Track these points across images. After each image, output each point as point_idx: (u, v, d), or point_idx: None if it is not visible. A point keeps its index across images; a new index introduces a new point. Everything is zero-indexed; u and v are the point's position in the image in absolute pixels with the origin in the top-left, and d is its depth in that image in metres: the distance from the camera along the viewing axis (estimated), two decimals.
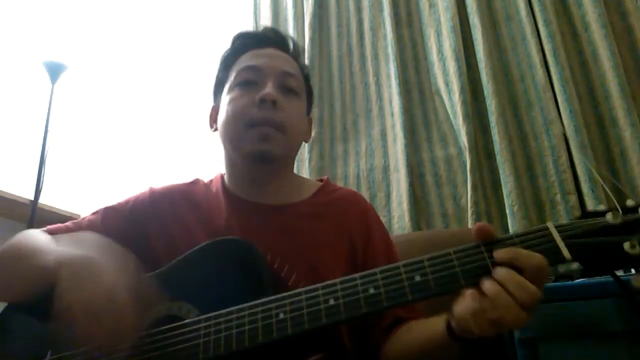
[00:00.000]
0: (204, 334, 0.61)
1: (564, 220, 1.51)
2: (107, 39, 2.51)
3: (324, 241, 0.85)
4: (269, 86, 0.85)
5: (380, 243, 0.89)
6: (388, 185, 1.82)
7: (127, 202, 0.90)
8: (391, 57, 1.93)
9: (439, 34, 1.87)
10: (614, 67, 1.55)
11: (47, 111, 1.97)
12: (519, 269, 0.53)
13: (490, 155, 1.70)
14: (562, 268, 1.28)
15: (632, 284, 0.52)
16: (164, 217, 0.88)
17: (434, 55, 1.87)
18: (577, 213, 1.49)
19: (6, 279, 0.77)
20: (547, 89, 1.63)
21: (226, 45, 0.97)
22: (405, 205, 1.71)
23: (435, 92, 1.87)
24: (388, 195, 1.81)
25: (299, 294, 0.60)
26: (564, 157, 1.56)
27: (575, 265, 1.23)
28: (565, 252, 0.53)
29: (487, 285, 0.53)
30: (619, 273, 0.86)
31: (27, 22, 2.19)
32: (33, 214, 1.79)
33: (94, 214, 0.90)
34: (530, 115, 1.67)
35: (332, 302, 0.58)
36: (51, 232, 0.85)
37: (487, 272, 0.54)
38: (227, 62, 0.94)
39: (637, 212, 0.54)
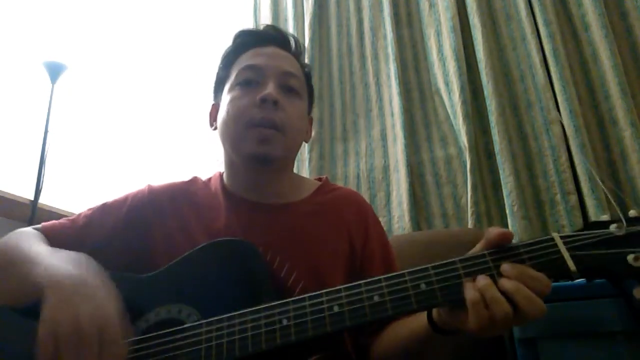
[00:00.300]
0: (205, 339, 0.61)
1: (564, 220, 1.51)
2: (107, 39, 2.51)
3: (324, 240, 0.85)
4: (270, 86, 0.84)
5: (378, 243, 0.89)
6: (388, 185, 1.82)
7: (125, 200, 0.90)
8: (391, 57, 1.93)
9: (439, 34, 1.87)
10: (614, 67, 1.55)
11: (47, 111, 1.97)
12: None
13: (490, 155, 1.70)
14: None
15: (634, 295, 0.52)
16: (163, 215, 0.87)
17: (434, 55, 1.87)
18: (577, 213, 1.49)
19: None
20: (547, 89, 1.63)
21: (226, 44, 0.97)
22: (405, 205, 1.71)
23: (435, 92, 1.87)
24: (388, 195, 1.81)
25: (303, 299, 0.59)
26: (564, 157, 1.56)
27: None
28: (571, 265, 0.53)
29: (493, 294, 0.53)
30: None
31: (27, 22, 2.19)
32: (33, 214, 1.79)
33: (90, 210, 0.89)
34: (530, 115, 1.67)
35: (336, 309, 0.57)
36: (46, 230, 0.84)
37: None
38: (228, 61, 0.93)
39: None
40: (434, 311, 0.63)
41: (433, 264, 0.58)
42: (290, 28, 2.18)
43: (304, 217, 0.87)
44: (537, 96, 1.66)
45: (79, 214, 0.89)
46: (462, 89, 1.71)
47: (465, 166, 1.65)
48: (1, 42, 2.08)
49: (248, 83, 0.87)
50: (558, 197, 1.54)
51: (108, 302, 0.59)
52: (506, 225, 1.55)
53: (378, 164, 1.86)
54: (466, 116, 1.68)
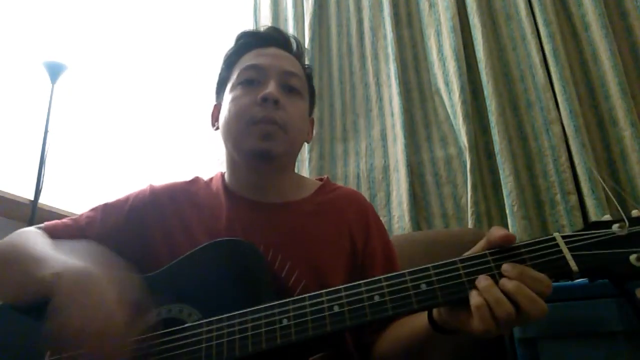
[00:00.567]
0: (206, 339, 0.61)
1: (564, 220, 1.51)
2: (107, 39, 2.51)
3: (325, 240, 0.85)
4: (271, 85, 0.85)
5: (379, 242, 0.89)
6: (388, 185, 1.82)
7: (126, 199, 0.90)
8: (391, 57, 1.93)
9: (439, 34, 1.87)
10: (614, 67, 1.55)
11: (47, 111, 1.97)
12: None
13: (490, 155, 1.70)
14: None
15: (637, 295, 0.51)
16: (164, 215, 0.87)
17: (434, 55, 1.87)
18: (577, 213, 1.49)
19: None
20: (547, 89, 1.63)
21: (226, 45, 0.97)
22: (405, 205, 1.71)
23: (435, 92, 1.87)
24: (388, 195, 1.81)
25: (303, 299, 0.59)
26: (564, 157, 1.56)
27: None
28: (573, 265, 0.53)
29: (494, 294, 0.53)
30: None
31: (27, 22, 2.19)
32: (33, 214, 1.79)
33: (92, 210, 0.89)
34: (530, 115, 1.67)
35: (336, 309, 0.57)
36: (49, 229, 0.84)
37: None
38: (230, 61, 0.94)
39: None
40: (435, 311, 0.63)
41: (434, 264, 0.57)
42: (290, 28, 2.18)
43: (305, 217, 0.87)
44: (537, 96, 1.66)
45: (81, 214, 0.89)
46: (462, 89, 1.71)
47: (465, 166, 1.65)
48: (1, 42, 2.09)
49: (250, 82, 0.87)
50: (558, 197, 1.54)
51: (116, 301, 0.60)
52: (506, 225, 1.55)
53: (378, 164, 1.86)
54: (466, 116, 1.68)
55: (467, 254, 0.58)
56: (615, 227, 0.54)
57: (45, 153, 1.92)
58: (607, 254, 0.53)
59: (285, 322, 0.58)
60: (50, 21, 2.18)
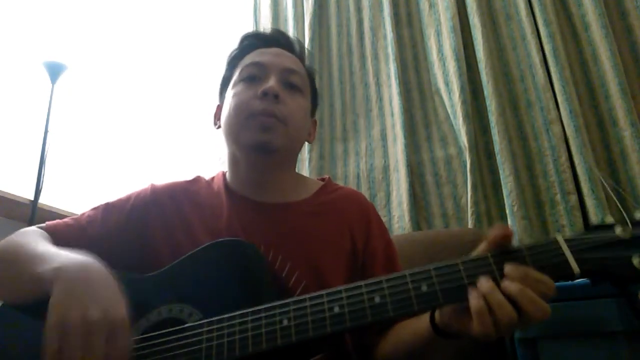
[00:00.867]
0: (206, 339, 0.61)
1: (564, 220, 1.51)
2: (107, 39, 2.51)
3: (326, 240, 0.85)
4: (272, 80, 0.86)
5: (380, 241, 0.89)
6: (388, 185, 1.82)
7: (128, 199, 0.90)
8: (391, 57, 1.93)
9: (439, 34, 1.87)
10: (614, 67, 1.55)
11: (47, 111, 1.97)
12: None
13: (490, 155, 1.70)
14: None
15: (639, 298, 0.51)
16: (166, 214, 0.87)
17: (434, 55, 1.87)
18: (577, 213, 1.49)
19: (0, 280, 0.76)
20: (547, 89, 1.63)
21: (226, 45, 0.98)
22: (405, 205, 1.71)
23: (435, 92, 1.87)
24: (388, 195, 1.81)
25: (303, 300, 0.59)
26: (564, 157, 1.56)
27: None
28: (575, 267, 0.53)
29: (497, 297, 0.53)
30: None
31: (27, 22, 2.19)
32: (33, 214, 1.79)
33: (94, 210, 0.89)
34: (530, 115, 1.67)
35: (337, 310, 0.57)
36: (50, 229, 0.84)
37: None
38: (234, 61, 0.95)
39: None
40: (437, 314, 0.63)
41: (435, 265, 0.57)
42: (290, 28, 2.18)
43: (306, 217, 0.87)
44: (537, 96, 1.66)
45: (82, 214, 0.89)
46: (462, 89, 1.71)
47: (465, 166, 1.65)
48: (1, 42, 2.08)
49: (251, 79, 0.88)
50: (558, 197, 1.54)
51: (116, 295, 0.60)
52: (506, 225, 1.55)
53: (378, 164, 1.86)
54: (466, 116, 1.68)
55: (468, 256, 0.58)
56: (618, 230, 0.54)
57: (45, 153, 1.92)
58: (609, 256, 0.53)
59: (285, 322, 0.58)
60: (50, 21, 2.18)
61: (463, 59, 1.77)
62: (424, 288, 0.56)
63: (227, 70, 0.96)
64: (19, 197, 1.80)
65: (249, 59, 0.91)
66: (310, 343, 0.58)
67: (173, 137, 2.43)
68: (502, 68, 1.75)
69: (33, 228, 0.84)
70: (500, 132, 1.62)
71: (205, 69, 2.30)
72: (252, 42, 0.95)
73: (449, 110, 1.78)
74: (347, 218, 0.89)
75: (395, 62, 1.90)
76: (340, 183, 1.86)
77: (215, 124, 0.97)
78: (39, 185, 1.85)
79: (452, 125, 1.77)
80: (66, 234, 0.84)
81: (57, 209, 1.96)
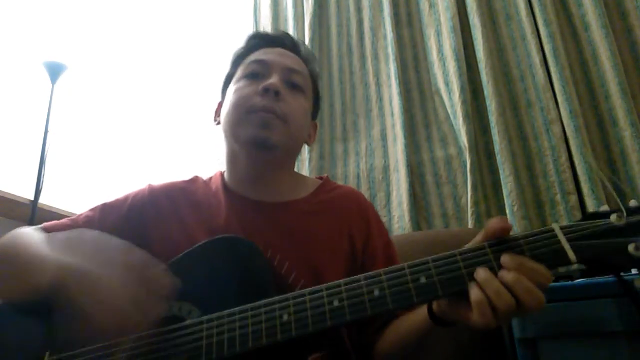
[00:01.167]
0: (206, 335, 0.61)
1: (564, 220, 1.51)
2: (107, 39, 2.51)
3: (324, 239, 0.85)
4: (274, 77, 0.86)
5: (380, 241, 0.89)
6: (388, 185, 1.82)
7: (125, 199, 0.90)
8: (391, 57, 1.93)
9: (439, 34, 1.87)
10: (614, 67, 1.55)
11: (47, 111, 1.97)
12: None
13: (490, 155, 1.70)
14: (562, 269, 1.28)
15: (635, 285, 0.52)
16: (163, 214, 0.87)
17: (434, 55, 1.87)
18: (577, 213, 1.49)
19: None
20: (547, 89, 1.63)
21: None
22: (405, 205, 1.71)
23: (435, 92, 1.87)
24: (388, 195, 1.81)
25: (303, 294, 0.59)
26: (564, 157, 1.56)
27: (575, 265, 1.23)
28: (571, 255, 0.53)
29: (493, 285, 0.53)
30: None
31: (27, 22, 2.19)
32: (33, 214, 1.79)
33: (91, 210, 0.89)
34: (530, 115, 1.67)
35: (336, 303, 0.57)
36: (47, 230, 0.84)
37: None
38: (238, 59, 0.96)
39: None
40: (434, 304, 0.63)
41: (433, 257, 0.57)
42: (290, 28, 2.18)
43: (304, 216, 0.87)
44: (537, 96, 1.66)
45: (79, 214, 0.89)
46: (462, 89, 1.71)
47: (465, 166, 1.65)
48: (1, 42, 2.08)
49: (253, 76, 0.89)
50: (558, 197, 1.54)
51: (118, 291, 0.59)
52: None
53: (378, 164, 1.86)
54: (466, 116, 1.68)
55: (466, 247, 0.58)
56: (613, 217, 0.54)
57: (45, 153, 1.92)
58: (605, 243, 0.53)
59: (285, 317, 0.58)
60: (50, 21, 2.18)
61: (463, 59, 1.77)
62: (423, 280, 0.56)
63: (230, 67, 0.97)
64: (19, 197, 1.80)
65: (252, 57, 0.92)
66: (310, 338, 0.58)
67: (173, 137, 2.43)
68: (502, 68, 1.75)
69: (30, 228, 0.84)
70: (500, 132, 1.62)
71: (205, 69, 2.30)
72: (258, 41, 0.96)
73: (449, 110, 1.78)
74: (346, 217, 0.89)
75: (395, 62, 1.90)
76: (340, 183, 1.85)
77: (215, 120, 0.98)
78: (39, 185, 1.85)
79: (452, 125, 1.77)
80: None
81: (57, 209, 1.96)
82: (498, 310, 0.52)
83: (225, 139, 0.91)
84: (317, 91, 0.99)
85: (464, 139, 1.67)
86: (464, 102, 1.70)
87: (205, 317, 0.63)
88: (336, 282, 0.59)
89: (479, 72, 1.75)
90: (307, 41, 2.08)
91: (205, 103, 2.03)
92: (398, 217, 1.74)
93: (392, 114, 1.88)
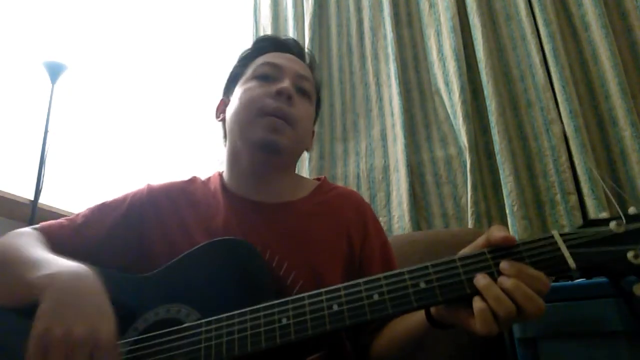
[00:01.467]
0: (205, 339, 0.60)
1: (564, 220, 1.51)
2: (107, 39, 2.51)
3: (322, 239, 0.85)
4: (287, 82, 0.87)
5: (377, 241, 0.90)
6: (388, 185, 1.82)
7: (124, 199, 0.90)
8: (391, 57, 1.93)
9: (439, 34, 1.87)
10: (614, 67, 1.55)
11: (47, 111, 1.97)
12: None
13: (490, 155, 1.70)
14: None
15: (634, 292, 0.52)
16: (162, 215, 0.87)
17: (434, 55, 1.87)
18: (577, 213, 1.49)
19: None
20: (547, 89, 1.63)
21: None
22: (405, 205, 1.71)
23: (435, 92, 1.87)
24: (388, 195, 1.81)
25: (302, 298, 0.59)
26: (564, 157, 1.55)
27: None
28: (571, 262, 0.53)
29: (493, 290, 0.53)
30: None
31: (27, 22, 2.19)
32: (33, 214, 1.79)
33: (89, 210, 0.89)
34: (530, 115, 1.67)
35: (335, 307, 0.57)
36: (44, 230, 0.84)
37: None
38: (246, 59, 0.96)
39: None
40: (432, 307, 0.63)
41: (432, 262, 0.57)
42: (290, 28, 2.18)
43: (302, 217, 0.87)
44: (537, 96, 1.66)
45: (77, 214, 0.89)
46: (462, 89, 1.71)
47: (465, 166, 1.65)
48: (1, 42, 2.08)
49: (265, 77, 0.89)
50: (558, 197, 1.54)
51: (104, 311, 0.58)
52: (506, 225, 1.55)
53: (378, 164, 1.86)
54: (466, 116, 1.68)
55: (465, 252, 0.59)
56: (612, 224, 0.54)
57: (45, 153, 1.92)
58: (604, 251, 0.54)
59: (284, 321, 0.58)
60: (50, 21, 2.18)
61: (463, 59, 1.76)
62: (422, 285, 0.56)
63: (237, 67, 0.97)
64: (19, 197, 1.80)
65: (263, 59, 0.93)
66: (309, 342, 0.58)
67: (173, 138, 2.43)
68: (502, 68, 1.75)
69: (27, 229, 0.83)
70: (500, 132, 1.62)
71: (205, 69, 2.30)
72: (267, 44, 0.97)
73: (449, 110, 1.78)
74: (344, 218, 0.89)
75: (395, 62, 1.90)
76: (340, 183, 1.86)
77: (217, 116, 0.98)
78: (39, 185, 1.85)
79: (452, 125, 1.77)
80: (61, 234, 0.83)
81: (57, 209, 1.96)
82: (499, 317, 0.52)
83: (229, 137, 0.91)
84: (319, 98, 1.01)
85: (464, 139, 1.67)
86: (464, 102, 1.69)
87: (204, 320, 0.62)
88: (336, 286, 0.59)
89: (479, 72, 1.75)
90: (307, 41, 2.08)
91: (206, 103, 2.03)
92: (398, 217, 1.73)
93: (392, 114, 1.88)
